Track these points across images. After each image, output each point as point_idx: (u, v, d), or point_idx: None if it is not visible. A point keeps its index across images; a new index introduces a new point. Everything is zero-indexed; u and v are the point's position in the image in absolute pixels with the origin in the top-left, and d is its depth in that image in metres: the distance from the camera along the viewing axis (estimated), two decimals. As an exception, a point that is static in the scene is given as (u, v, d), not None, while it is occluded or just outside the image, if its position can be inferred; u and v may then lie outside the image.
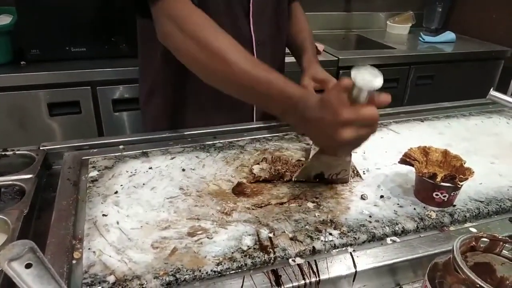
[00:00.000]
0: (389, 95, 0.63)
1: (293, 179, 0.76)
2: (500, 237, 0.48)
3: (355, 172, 0.80)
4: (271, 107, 0.71)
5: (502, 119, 1.12)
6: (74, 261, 0.56)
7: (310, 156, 0.80)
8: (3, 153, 0.80)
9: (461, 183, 0.68)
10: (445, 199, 0.69)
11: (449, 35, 2.37)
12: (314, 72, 1.01)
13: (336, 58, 1.91)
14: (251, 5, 0.94)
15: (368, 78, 0.60)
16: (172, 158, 0.83)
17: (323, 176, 0.76)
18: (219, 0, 0.89)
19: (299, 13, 1.17)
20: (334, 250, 0.61)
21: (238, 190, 0.73)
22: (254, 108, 1.06)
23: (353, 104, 0.61)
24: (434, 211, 0.69)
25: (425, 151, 0.75)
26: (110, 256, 0.56)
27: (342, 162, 0.74)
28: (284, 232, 0.62)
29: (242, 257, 0.57)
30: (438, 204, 0.70)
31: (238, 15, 0.94)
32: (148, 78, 1.04)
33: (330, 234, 0.62)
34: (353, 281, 0.56)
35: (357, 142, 0.63)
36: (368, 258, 0.57)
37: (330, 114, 0.61)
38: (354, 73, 0.60)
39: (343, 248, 0.61)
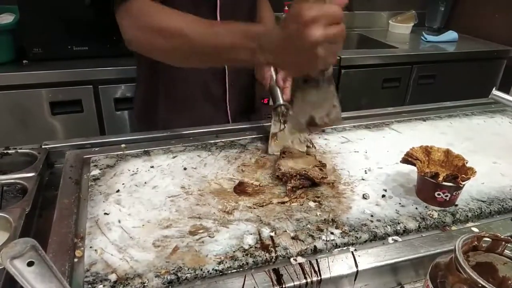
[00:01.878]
0: None
1: (283, 131, 0.76)
2: (502, 236, 0.48)
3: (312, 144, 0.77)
4: (241, 56, 0.68)
5: (504, 119, 1.12)
6: (75, 260, 0.56)
7: (293, 105, 0.76)
8: (5, 151, 0.81)
9: (463, 183, 0.67)
10: (447, 199, 0.69)
11: (451, 35, 2.36)
12: None
13: (338, 57, 1.91)
14: (218, 3, 0.92)
15: None
16: (173, 157, 0.83)
17: (315, 121, 0.72)
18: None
19: (264, 9, 1.10)
20: (335, 250, 0.61)
21: (240, 189, 0.73)
22: (228, 107, 1.04)
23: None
24: (436, 210, 0.69)
25: (427, 150, 0.75)
26: (111, 255, 0.56)
27: (327, 94, 0.70)
28: (286, 231, 0.62)
29: (243, 256, 0.57)
30: (440, 203, 0.70)
31: (203, 12, 0.91)
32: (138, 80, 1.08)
33: (332, 233, 0.62)
34: (355, 280, 0.56)
35: (329, 46, 0.60)
36: (370, 258, 0.57)
37: (294, 22, 0.58)
38: None
39: (345, 248, 0.61)
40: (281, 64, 0.68)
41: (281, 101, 0.87)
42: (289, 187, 0.72)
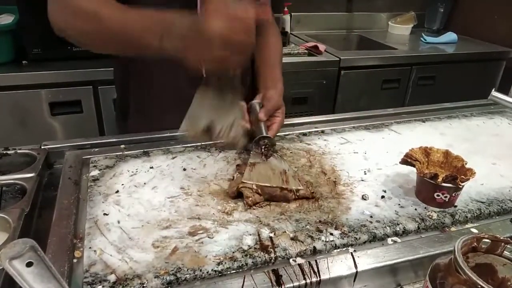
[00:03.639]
0: (268, 9, 0.62)
1: (178, 133, 0.69)
2: (501, 238, 0.48)
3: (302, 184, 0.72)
4: (149, 40, 0.67)
5: (503, 120, 1.12)
6: (75, 260, 0.56)
7: (194, 103, 0.70)
8: (4, 152, 0.80)
9: (462, 184, 0.67)
10: (446, 200, 0.69)
11: (450, 36, 2.37)
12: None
13: (338, 59, 1.91)
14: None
15: None
16: (173, 158, 0.83)
17: (214, 129, 0.68)
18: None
19: (270, 39, 1.02)
20: (335, 250, 0.61)
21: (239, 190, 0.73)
22: None
23: None
24: (435, 211, 0.69)
25: (426, 151, 0.75)
26: (111, 255, 0.56)
27: (233, 107, 0.68)
28: (285, 232, 0.62)
29: (242, 256, 0.57)
30: (439, 204, 0.70)
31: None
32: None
33: (331, 234, 0.62)
34: (354, 281, 0.56)
35: (228, 47, 0.60)
36: (369, 258, 0.57)
37: (202, 13, 0.61)
38: None
39: (344, 248, 0.61)
40: (183, 52, 0.64)
41: (264, 133, 0.81)
42: (248, 201, 0.68)
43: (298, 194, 0.70)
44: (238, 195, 0.70)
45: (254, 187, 0.69)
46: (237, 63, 0.64)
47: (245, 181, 0.70)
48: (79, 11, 0.71)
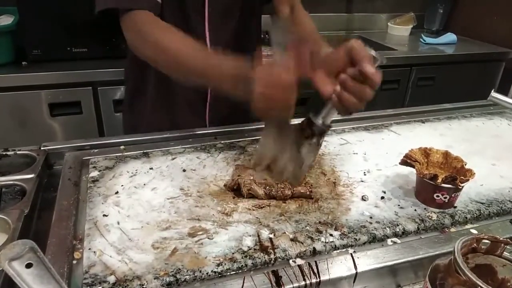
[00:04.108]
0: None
1: (251, 166, 0.77)
2: (501, 238, 0.48)
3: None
4: (224, 85, 0.73)
5: (503, 121, 1.12)
6: (74, 261, 0.56)
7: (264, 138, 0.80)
8: (4, 153, 0.80)
9: (462, 185, 0.67)
10: (446, 200, 0.69)
11: (450, 37, 2.37)
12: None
13: (337, 59, 1.91)
14: (206, 7, 0.92)
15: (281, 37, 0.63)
16: (173, 159, 0.83)
17: (275, 166, 0.75)
18: (174, 3, 0.90)
19: (302, 18, 1.02)
20: (334, 251, 0.61)
21: (239, 191, 0.73)
22: (207, 109, 1.03)
23: None
24: (434, 212, 0.69)
25: (426, 152, 0.75)
26: (110, 256, 0.56)
27: (287, 146, 0.74)
28: (285, 233, 0.62)
29: (242, 257, 0.57)
30: (439, 205, 0.70)
31: (191, 14, 0.92)
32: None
33: (331, 235, 0.62)
34: (354, 282, 0.56)
35: (269, 102, 0.67)
36: (369, 259, 0.57)
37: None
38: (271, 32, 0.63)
39: (344, 249, 0.61)
40: (249, 100, 0.71)
41: (320, 122, 0.72)
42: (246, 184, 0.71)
43: (294, 190, 0.71)
44: (235, 189, 0.72)
45: (252, 177, 0.72)
46: (282, 116, 0.72)
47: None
48: (158, 48, 0.78)
